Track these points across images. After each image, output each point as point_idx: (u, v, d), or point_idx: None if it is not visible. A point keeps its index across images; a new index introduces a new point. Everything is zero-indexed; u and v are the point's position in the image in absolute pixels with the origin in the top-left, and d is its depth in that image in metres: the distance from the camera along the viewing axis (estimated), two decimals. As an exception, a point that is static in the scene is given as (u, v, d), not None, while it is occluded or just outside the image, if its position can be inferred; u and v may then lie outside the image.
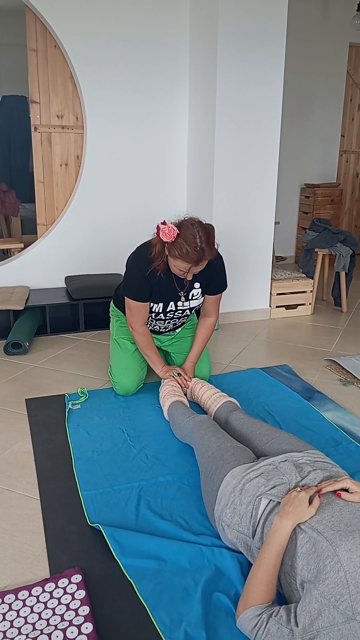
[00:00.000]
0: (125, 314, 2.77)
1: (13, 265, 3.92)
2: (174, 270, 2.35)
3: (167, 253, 2.32)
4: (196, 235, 2.19)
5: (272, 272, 4.16)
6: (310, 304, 4.17)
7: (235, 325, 3.88)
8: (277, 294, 4.06)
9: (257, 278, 3.97)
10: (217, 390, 2.48)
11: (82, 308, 3.64)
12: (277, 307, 4.08)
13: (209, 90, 3.60)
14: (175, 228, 2.22)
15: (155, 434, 2.34)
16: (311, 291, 4.15)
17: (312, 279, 4.19)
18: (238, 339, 3.60)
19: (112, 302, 2.89)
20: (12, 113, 6.97)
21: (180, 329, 2.86)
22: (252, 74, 3.52)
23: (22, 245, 4.51)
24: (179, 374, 2.62)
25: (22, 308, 3.45)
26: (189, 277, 2.35)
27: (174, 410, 2.33)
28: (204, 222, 2.29)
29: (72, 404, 2.58)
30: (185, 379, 2.61)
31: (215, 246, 2.28)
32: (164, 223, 2.22)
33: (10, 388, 2.80)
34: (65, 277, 4.00)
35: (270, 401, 2.67)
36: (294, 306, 4.13)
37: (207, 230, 2.24)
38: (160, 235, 2.23)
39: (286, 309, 4.11)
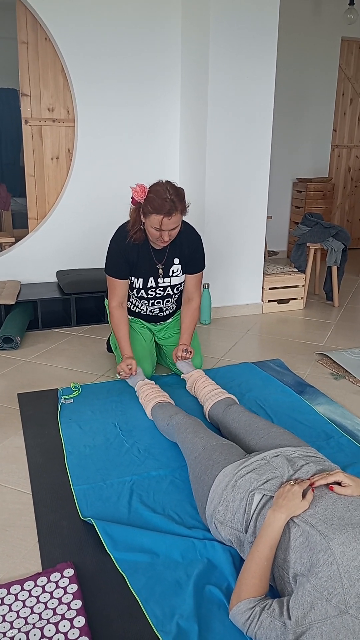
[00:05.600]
0: None
1: (4, 260, 3.90)
2: (150, 233, 2.45)
3: (142, 219, 2.43)
4: (166, 190, 2.35)
5: (264, 266, 4.16)
6: (302, 298, 4.17)
7: (228, 320, 3.88)
8: (269, 289, 4.06)
9: (249, 272, 3.97)
10: (218, 386, 2.47)
11: (74, 303, 3.62)
12: (269, 301, 4.08)
13: (201, 84, 3.59)
14: (146, 187, 2.39)
15: (147, 428, 2.34)
16: (303, 285, 4.16)
17: (304, 273, 4.19)
18: (230, 334, 3.60)
19: (106, 299, 2.90)
20: (3, 106, 6.93)
21: (171, 318, 2.87)
22: (244, 69, 3.51)
23: (13, 240, 4.48)
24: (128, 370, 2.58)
25: (14, 303, 3.43)
26: (165, 238, 2.43)
27: (155, 415, 2.33)
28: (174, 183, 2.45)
29: (64, 399, 2.57)
30: (131, 371, 2.57)
31: (186, 204, 2.41)
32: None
33: (2, 383, 2.79)
34: (57, 272, 3.98)
35: (263, 395, 2.67)
36: (286, 300, 4.14)
37: (176, 187, 2.40)
38: (133, 195, 2.39)
39: (278, 304, 4.12)
